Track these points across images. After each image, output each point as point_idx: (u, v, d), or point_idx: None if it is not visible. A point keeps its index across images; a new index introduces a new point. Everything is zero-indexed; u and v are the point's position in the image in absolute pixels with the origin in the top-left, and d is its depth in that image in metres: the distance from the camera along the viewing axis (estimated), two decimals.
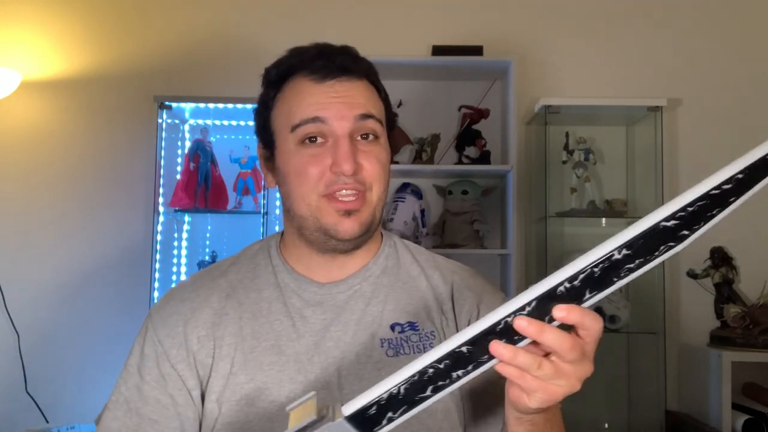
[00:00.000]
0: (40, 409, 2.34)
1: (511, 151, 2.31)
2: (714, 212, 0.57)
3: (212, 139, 2.39)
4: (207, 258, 2.40)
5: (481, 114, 2.43)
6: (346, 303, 0.87)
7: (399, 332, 0.86)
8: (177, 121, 2.44)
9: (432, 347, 0.84)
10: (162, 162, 2.31)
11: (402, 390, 0.58)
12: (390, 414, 0.58)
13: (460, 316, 0.89)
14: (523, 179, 2.45)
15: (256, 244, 0.96)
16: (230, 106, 2.30)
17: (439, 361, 0.57)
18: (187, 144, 2.42)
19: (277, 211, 2.35)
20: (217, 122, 2.46)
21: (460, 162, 2.42)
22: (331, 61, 0.83)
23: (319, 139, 0.82)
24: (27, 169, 2.49)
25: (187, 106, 2.36)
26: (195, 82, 2.49)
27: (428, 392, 0.57)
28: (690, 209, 0.58)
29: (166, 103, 2.30)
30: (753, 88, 2.50)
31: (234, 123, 2.46)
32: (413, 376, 0.57)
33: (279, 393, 0.82)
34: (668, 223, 0.57)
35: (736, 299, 2.24)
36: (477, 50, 2.37)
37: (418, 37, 2.51)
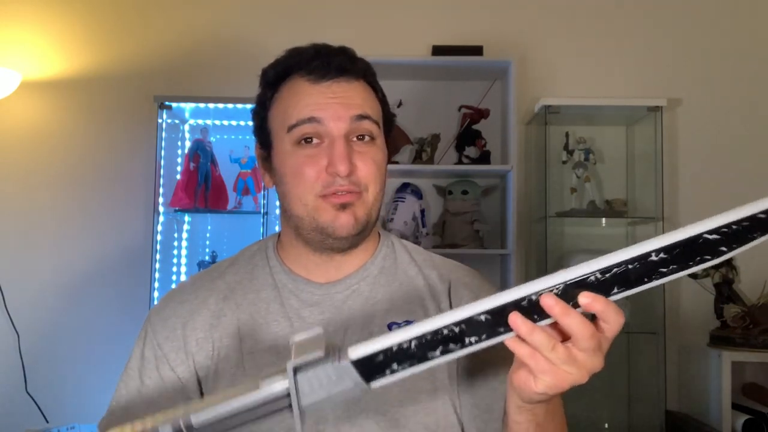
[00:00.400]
0: (40, 409, 2.34)
1: (511, 151, 2.31)
2: (755, 235, 0.57)
3: (212, 139, 2.39)
4: (207, 258, 2.40)
5: (481, 114, 2.43)
6: (343, 303, 0.87)
7: None
8: (177, 121, 2.44)
9: None
10: (162, 162, 2.31)
11: (413, 345, 0.58)
12: (394, 365, 0.58)
13: None
14: (523, 179, 2.45)
15: (254, 246, 0.96)
16: (230, 106, 2.30)
17: (456, 324, 0.58)
18: (187, 144, 2.42)
19: (277, 211, 2.34)
20: (217, 122, 2.46)
21: (460, 162, 2.42)
22: (328, 62, 0.83)
23: (315, 140, 0.82)
24: (27, 169, 2.49)
25: (187, 106, 2.36)
26: (195, 82, 2.49)
27: (437, 353, 0.58)
28: (734, 227, 0.57)
29: (166, 103, 2.30)
30: (753, 88, 2.50)
31: (234, 123, 2.46)
32: (427, 334, 0.58)
33: None
34: (710, 237, 0.56)
35: (736, 299, 2.24)
36: (477, 50, 2.37)
37: (418, 37, 2.51)
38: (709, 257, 0.56)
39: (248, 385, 0.60)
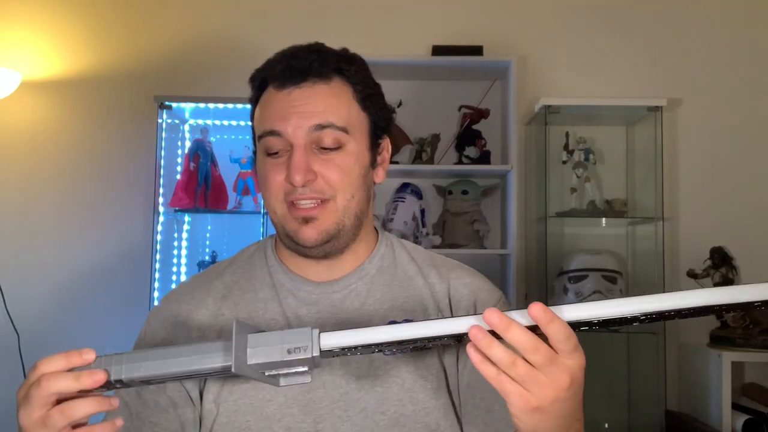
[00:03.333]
0: None
1: (511, 151, 2.31)
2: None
3: (212, 139, 2.39)
4: (207, 258, 2.40)
5: (481, 114, 2.43)
6: (341, 302, 0.87)
7: None
8: (177, 121, 2.44)
9: (430, 346, 0.85)
10: (162, 162, 2.31)
11: (375, 346, 0.62)
12: (348, 353, 0.63)
13: (457, 313, 0.89)
14: (523, 179, 2.45)
15: (252, 246, 0.97)
16: (230, 106, 2.30)
17: (424, 338, 0.61)
18: (187, 144, 2.42)
19: None
20: (217, 122, 2.46)
21: (460, 162, 2.42)
22: (291, 66, 0.82)
23: (280, 150, 0.83)
24: (27, 169, 2.49)
25: (187, 106, 2.36)
26: (195, 82, 2.49)
27: (392, 351, 0.65)
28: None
29: (166, 103, 2.30)
30: (753, 88, 2.50)
31: (234, 123, 2.47)
32: (396, 342, 0.61)
33: (276, 393, 0.82)
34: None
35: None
36: (477, 50, 2.37)
37: (418, 37, 2.51)
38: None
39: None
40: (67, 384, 0.61)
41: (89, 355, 0.63)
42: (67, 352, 0.63)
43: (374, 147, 0.88)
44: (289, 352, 0.61)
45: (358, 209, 0.85)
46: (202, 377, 0.64)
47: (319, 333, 0.63)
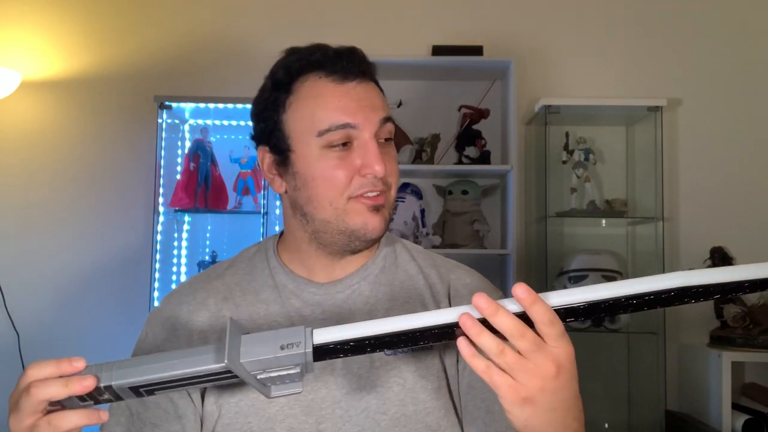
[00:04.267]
0: None
1: (511, 151, 2.31)
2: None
3: (212, 139, 2.39)
4: (207, 258, 2.40)
5: (481, 114, 2.43)
6: (344, 302, 0.87)
7: None
8: (177, 121, 2.44)
9: (431, 346, 0.85)
10: (162, 162, 2.31)
11: (369, 344, 0.61)
12: (341, 355, 0.63)
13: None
14: (523, 179, 2.45)
15: (253, 247, 0.96)
16: (230, 106, 2.30)
17: (417, 330, 0.61)
18: (187, 144, 2.42)
19: (277, 211, 2.35)
20: (217, 122, 2.46)
21: (460, 162, 2.42)
22: (351, 63, 0.83)
23: (347, 143, 0.82)
24: (27, 169, 2.50)
25: (187, 106, 2.36)
26: (195, 82, 2.49)
27: (385, 349, 0.63)
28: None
29: (166, 103, 2.30)
30: (753, 88, 2.50)
31: (234, 123, 2.47)
32: (386, 335, 0.61)
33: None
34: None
35: (736, 299, 2.24)
36: (477, 50, 2.38)
37: (418, 37, 2.51)
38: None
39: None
40: (57, 390, 0.61)
41: (79, 363, 0.62)
42: (58, 359, 0.62)
43: None
44: (282, 348, 0.61)
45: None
46: (194, 383, 0.63)
47: (312, 330, 0.63)
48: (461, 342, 0.59)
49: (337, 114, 0.81)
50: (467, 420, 0.84)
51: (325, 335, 0.62)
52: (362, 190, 0.81)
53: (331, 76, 0.82)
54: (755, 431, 2.03)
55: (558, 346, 0.59)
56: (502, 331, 0.58)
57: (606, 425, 2.37)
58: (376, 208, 0.82)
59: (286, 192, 0.87)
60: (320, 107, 0.81)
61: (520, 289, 0.58)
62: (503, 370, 0.60)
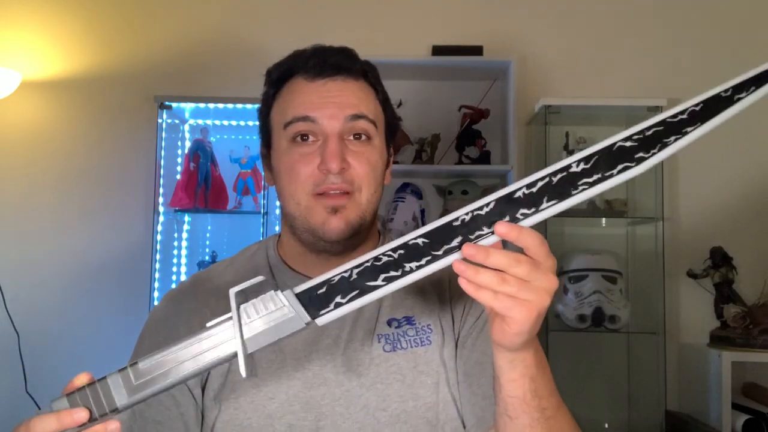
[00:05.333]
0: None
1: (511, 151, 2.31)
2: (670, 139, 0.60)
3: (212, 139, 2.39)
4: (207, 258, 2.40)
5: (481, 114, 2.43)
6: None
7: (396, 327, 0.87)
8: (177, 121, 2.44)
9: (429, 341, 0.86)
10: (162, 162, 2.31)
11: (354, 274, 0.60)
12: (338, 298, 0.61)
13: (456, 305, 0.90)
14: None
15: (253, 246, 0.97)
16: (230, 106, 2.30)
17: (394, 250, 0.61)
18: (187, 144, 2.42)
19: (277, 211, 2.34)
20: (217, 122, 2.46)
21: (460, 162, 2.42)
22: (324, 60, 0.84)
23: (311, 138, 0.83)
24: (27, 169, 2.49)
25: (187, 106, 2.36)
26: (195, 82, 2.49)
27: (379, 281, 0.60)
28: (647, 133, 0.61)
29: (166, 103, 2.30)
30: None
31: (234, 123, 2.46)
32: (366, 261, 0.60)
33: (277, 390, 0.83)
34: (625, 144, 0.60)
35: (736, 299, 2.24)
36: (477, 50, 2.37)
37: (418, 37, 2.51)
38: (630, 164, 0.59)
39: (197, 332, 0.61)
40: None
41: (81, 414, 0.61)
42: (58, 413, 0.61)
43: (387, 148, 0.91)
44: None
45: (376, 206, 0.87)
46: (209, 366, 0.61)
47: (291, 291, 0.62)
48: (462, 282, 0.60)
49: (300, 107, 0.83)
50: (465, 408, 0.85)
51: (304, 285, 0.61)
52: (321, 188, 0.82)
53: (305, 74, 0.84)
54: (755, 431, 2.03)
55: (550, 260, 0.62)
56: (499, 267, 0.60)
57: (606, 425, 2.37)
58: (335, 209, 0.82)
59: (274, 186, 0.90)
60: (289, 102, 0.84)
61: (503, 226, 0.60)
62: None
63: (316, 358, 0.84)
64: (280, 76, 0.87)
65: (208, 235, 2.47)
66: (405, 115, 2.43)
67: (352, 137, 0.83)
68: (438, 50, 2.41)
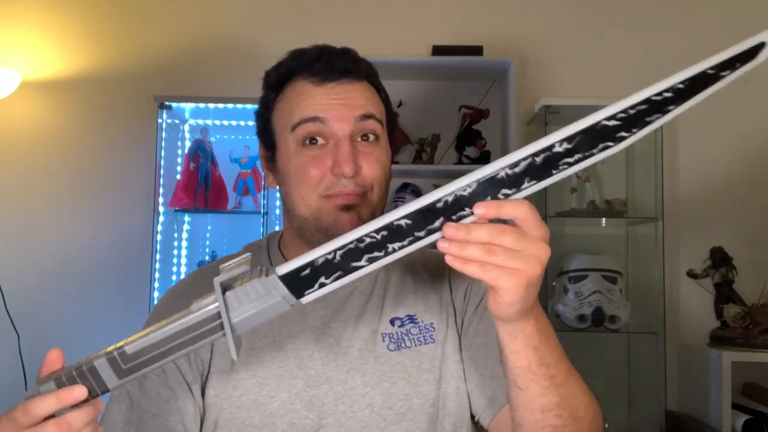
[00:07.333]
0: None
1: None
2: (653, 118, 0.59)
3: (212, 139, 2.39)
4: (207, 258, 2.41)
5: (481, 114, 2.44)
6: (346, 300, 0.88)
7: (399, 326, 0.88)
8: (177, 121, 2.44)
9: (433, 339, 0.86)
10: (162, 162, 2.31)
11: (338, 255, 0.59)
12: (323, 279, 0.60)
13: (456, 297, 0.91)
14: None
15: (254, 243, 0.97)
16: (230, 106, 2.30)
17: (377, 231, 0.59)
18: (187, 144, 2.42)
19: (277, 211, 2.35)
20: (217, 122, 2.46)
21: (460, 162, 2.42)
22: (331, 63, 0.83)
23: (320, 141, 0.82)
24: (27, 169, 2.50)
25: (187, 106, 2.36)
26: (195, 82, 2.49)
27: (363, 261, 0.59)
28: (631, 112, 0.60)
29: (166, 103, 2.30)
30: (753, 88, 2.50)
31: (234, 123, 2.46)
32: (350, 242, 0.59)
33: (279, 389, 0.83)
34: (609, 123, 0.59)
35: (736, 299, 2.24)
36: (477, 50, 2.37)
37: (418, 37, 2.51)
38: (611, 144, 0.57)
39: (182, 311, 0.61)
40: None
41: (80, 391, 0.60)
42: (57, 392, 0.60)
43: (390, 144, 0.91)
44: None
45: (384, 204, 0.87)
46: (197, 342, 0.61)
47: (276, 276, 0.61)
48: (449, 259, 0.59)
49: (309, 109, 0.82)
50: (475, 395, 0.86)
51: (287, 266, 0.61)
52: (333, 191, 0.82)
53: (312, 77, 0.84)
54: (755, 431, 2.03)
55: (540, 227, 0.59)
56: (482, 241, 0.58)
57: (606, 425, 2.37)
58: (347, 207, 0.82)
59: (277, 187, 0.89)
60: (296, 104, 0.84)
61: (480, 208, 0.57)
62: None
63: (319, 356, 0.84)
64: (281, 77, 0.86)
65: (208, 235, 2.47)
66: (405, 115, 2.45)
67: (360, 138, 0.84)
68: (438, 50, 2.41)
